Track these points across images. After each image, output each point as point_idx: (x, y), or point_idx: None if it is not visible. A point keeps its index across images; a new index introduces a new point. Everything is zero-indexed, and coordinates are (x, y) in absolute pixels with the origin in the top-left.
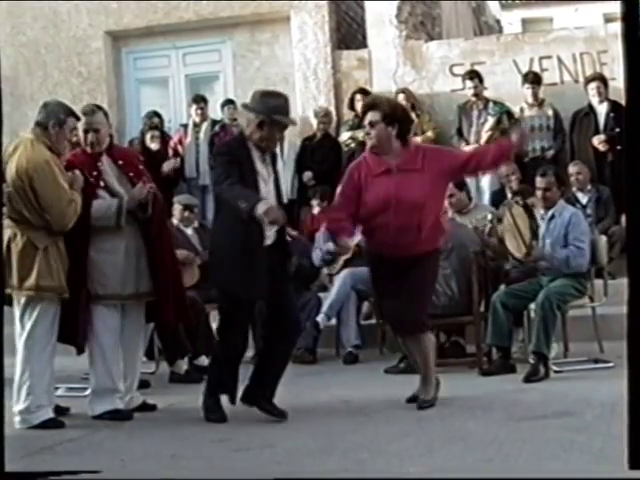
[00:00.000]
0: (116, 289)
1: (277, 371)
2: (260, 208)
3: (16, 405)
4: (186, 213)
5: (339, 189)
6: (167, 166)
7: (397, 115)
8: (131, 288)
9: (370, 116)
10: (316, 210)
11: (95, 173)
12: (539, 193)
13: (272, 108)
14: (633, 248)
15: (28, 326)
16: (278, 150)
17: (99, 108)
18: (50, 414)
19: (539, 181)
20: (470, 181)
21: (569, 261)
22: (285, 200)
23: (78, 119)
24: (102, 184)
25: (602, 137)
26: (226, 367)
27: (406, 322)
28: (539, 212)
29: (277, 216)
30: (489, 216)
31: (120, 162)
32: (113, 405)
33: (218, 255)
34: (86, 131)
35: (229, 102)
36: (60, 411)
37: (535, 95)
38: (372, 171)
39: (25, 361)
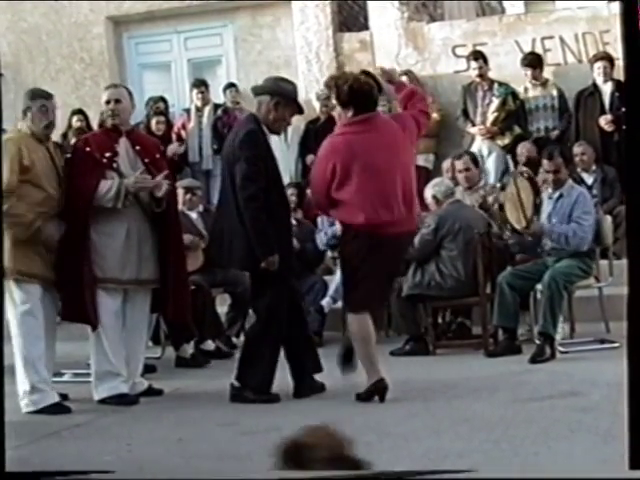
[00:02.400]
0: (115, 273)
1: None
2: (267, 260)
3: (20, 390)
4: (188, 196)
5: None
6: (171, 150)
7: (347, 99)
8: (131, 273)
9: (331, 97)
10: None
11: (109, 154)
12: (549, 176)
13: (286, 91)
14: (633, 228)
15: (16, 312)
16: (282, 133)
17: (125, 87)
18: (55, 398)
19: (547, 164)
20: None
21: (568, 237)
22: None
23: (48, 98)
24: (115, 165)
25: (609, 117)
26: (268, 348)
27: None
28: (547, 191)
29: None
30: (498, 184)
31: (137, 147)
32: (117, 389)
33: (243, 232)
34: (107, 102)
35: (231, 85)
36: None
37: (535, 77)
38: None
39: (20, 347)
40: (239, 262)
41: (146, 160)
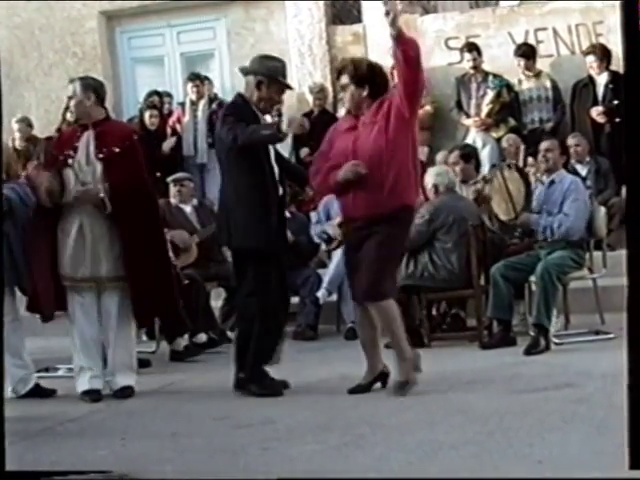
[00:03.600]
0: (67, 271)
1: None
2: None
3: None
4: (177, 187)
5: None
6: (166, 146)
7: (365, 75)
8: (85, 271)
9: (341, 79)
10: None
11: (67, 151)
12: (540, 156)
13: (270, 69)
14: (632, 220)
15: None
16: None
17: (84, 79)
18: (34, 381)
19: (542, 144)
20: None
21: (552, 228)
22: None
23: None
24: (70, 162)
25: (600, 109)
26: (269, 334)
27: (363, 289)
28: (540, 177)
29: (297, 123)
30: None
31: (97, 140)
32: (87, 385)
33: (239, 217)
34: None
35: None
36: (45, 393)
37: (529, 67)
38: (340, 128)
39: None
40: (235, 241)
41: (100, 155)
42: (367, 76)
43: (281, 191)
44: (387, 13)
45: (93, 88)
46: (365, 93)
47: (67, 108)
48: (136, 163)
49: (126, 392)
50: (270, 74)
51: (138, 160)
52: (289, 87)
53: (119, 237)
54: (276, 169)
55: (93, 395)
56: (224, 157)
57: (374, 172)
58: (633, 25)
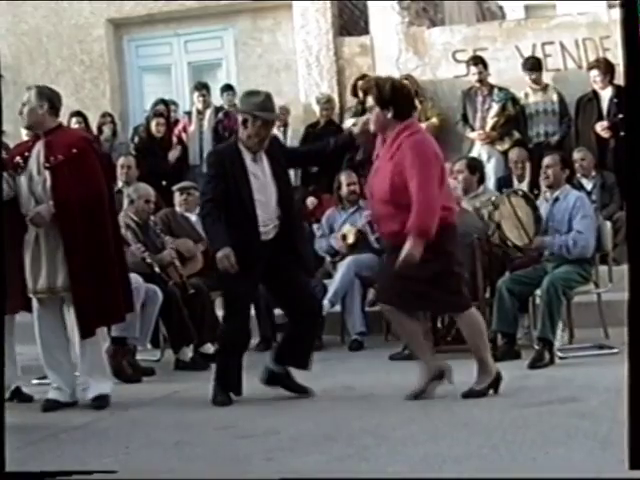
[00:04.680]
0: (29, 282)
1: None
2: (217, 256)
3: None
4: (183, 196)
5: None
6: (172, 156)
7: (390, 97)
8: (43, 282)
9: (368, 101)
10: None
11: (18, 160)
12: (541, 172)
13: (252, 105)
14: (633, 234)
15: None
16: (282, 137)
17: (40, 88)
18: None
19: (543, 160)
20: None
21: (569, 247)
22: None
23: None
24: (19, 171)
25: (605, 124)
26: (229, 355)
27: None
28: (544, 195)
29: (226, 266)
30: (493, 198)
31: (46, 149)
32: (49, 393)
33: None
34: (23, 104)
35: (228, 88)
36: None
37: (536, 81)
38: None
39: None
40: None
41: (47, 165)
42: (391, 98)
43: (276, 222)
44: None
45: (48, 97)
46: (390, 115)
47: (20, 114)
48: (85, 170)
49: (102, 402)
50: (251, 111)
51: (87, 167)
52: (274, 119)
53: (63, 246)
54: (267, 201)
55: (47, 404)
56: None
57: (384, 207)
58: (634, 38)
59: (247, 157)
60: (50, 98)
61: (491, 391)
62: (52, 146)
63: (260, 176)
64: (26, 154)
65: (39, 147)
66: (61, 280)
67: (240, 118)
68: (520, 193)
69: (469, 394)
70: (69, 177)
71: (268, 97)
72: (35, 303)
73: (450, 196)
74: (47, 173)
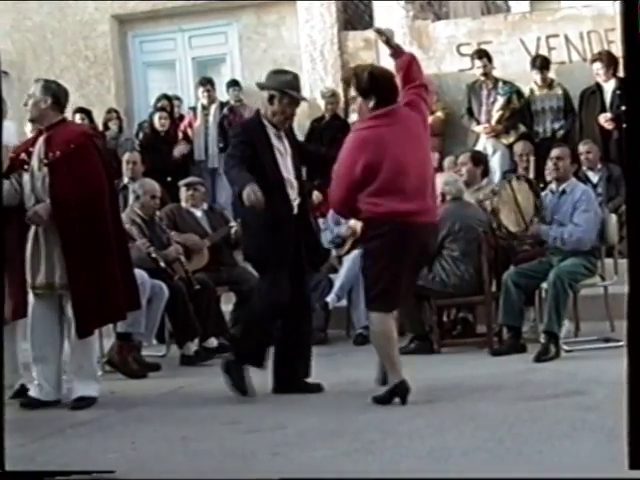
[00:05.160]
0: (28, 277)
1: (305, 350)
2: (244, 193)
3: None
4: (190, 192)
5: None
6: (178, 151)
7: (369, 86)
8: (41, 278)
9: (350, 92)
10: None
11: (23, 156)
12: (550, 163)
13: (281, 83)
14: (633, 228)
15: None
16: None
17: (46, 82)
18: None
19: (552, 151)
20: None
21: (563, 239)
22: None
23: None
24: (25, 167)
25: (608, 115)
26: (266, 322)
27: None
28: (550, 186)
29: (253, 200)
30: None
31: (46, 145)
32: (31, 391)
33: (247, 229)
34: (28, 96)
35: (234, 83)
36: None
37: (544, 79)
38: None
39: None
40: (246, 249)
41: (45, 161)
42: (371, 87)
43: (298, 200)
44: (379, 32)
45: (53, 92)
46: (372, 104)
47: (25, 105)
48: (84, 166)
49: (82, 403)
50: (281, 88)
51: (86, 163)
52: (301, 99)
53: (60, 243)
54: (289, 177)
55: (27, 401)
56: None
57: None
58: (633, 31)
59: (271, 132)
60: (55, 93)
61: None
62: (52, 142)
63: (283, 152)
64: (30, 149)
65: (40, 143)
66: (59, 276)
67: (267, 94)
68: (523, 178)
69: (375, 401)
70: (67, 173)
71: (295, 77)
72: (32, 298)
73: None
74: (45, 170)
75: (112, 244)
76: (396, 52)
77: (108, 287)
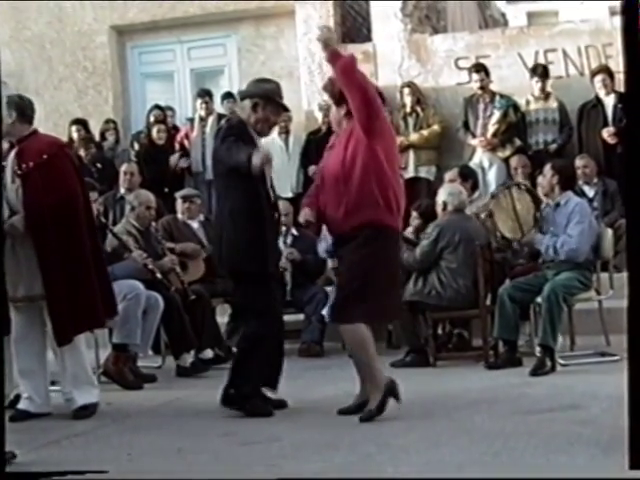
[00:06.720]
0: (9, 290)
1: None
2: (255, 156)
3: None
4: (186, 204)
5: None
6: (173, 161)
7: (342, 94)
8: (22, 290)
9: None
10: None
11: None
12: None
13: (265, 90)
14: (633, 242)
15: None
16: (283, 144)
17: (9, 97)
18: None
19: (545, 170)
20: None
21: (556, 248)
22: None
23: None
24: None
25: (611, 129)
26: (263, 352)
27: (334, 308)
28: (545, 201)
29: (263, 158)
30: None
31: (18, 157)
32: (21, 404)
33: (234, 239)
34: None
35: (228, 96)
36: None
37: (542, 89)
38: (327, 148)
39: None
40: (228, 268)
41: (19, 172)
42: (342, 95)
43: (276, 215)
44: (319, 39)
45: (16, 105)
46: (343, 112)
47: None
48: (56, 176)
49: (85, 412)
50: (265, 95)
51: (58, 172)
52: (285, 108)
53: (35, 254)
54: (272, 193)
55: (16, 414)
56: (221, 177)
57: (336, 189)
58: (634, 45)
59: (257, 140)
60: (18, 106)
61: (392, 400)
62: (24, 153)
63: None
64: (3, 163)
65: (12, 156)
66: (38, 288)
67: (250, 102)
68: (523, 187)
69: (368, 417)
70: (40, 183)
71: (278, 86)
72: (14, 312)
73: (393, 196)
74: (19, 181)
75: (88, 251)
76: (333, 56)
77: (85, 294)
